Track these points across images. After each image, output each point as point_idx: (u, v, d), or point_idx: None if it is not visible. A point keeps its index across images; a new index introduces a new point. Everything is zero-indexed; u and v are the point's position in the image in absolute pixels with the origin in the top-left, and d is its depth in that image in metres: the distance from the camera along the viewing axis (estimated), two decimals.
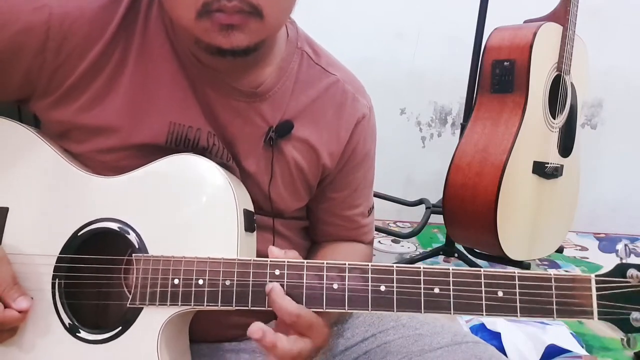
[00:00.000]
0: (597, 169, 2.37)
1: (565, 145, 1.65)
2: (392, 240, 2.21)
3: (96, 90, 0.63)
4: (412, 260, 1.90)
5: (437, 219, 1.84)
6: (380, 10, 2.25)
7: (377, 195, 1.99)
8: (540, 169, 1.54)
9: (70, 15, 0.61)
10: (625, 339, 0.55)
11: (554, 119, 1.58)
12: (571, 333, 1.41)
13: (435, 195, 1.89)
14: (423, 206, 2.02)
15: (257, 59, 0.68)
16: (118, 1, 0.63)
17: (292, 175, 0.72)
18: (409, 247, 2.19)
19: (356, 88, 0.78)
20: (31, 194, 0.64)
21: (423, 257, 1.89)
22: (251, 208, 0.67)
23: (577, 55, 1.59)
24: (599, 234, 2.51)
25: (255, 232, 0.66)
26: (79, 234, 0.62)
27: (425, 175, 2.40)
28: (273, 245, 0.61)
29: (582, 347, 1.37)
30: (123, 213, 0.62)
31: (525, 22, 1.59)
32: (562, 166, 1.62)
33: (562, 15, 1.55)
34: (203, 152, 0.66)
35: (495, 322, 1.38)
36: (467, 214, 1.51)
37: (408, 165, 2.44)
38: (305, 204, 0.78)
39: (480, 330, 1.38)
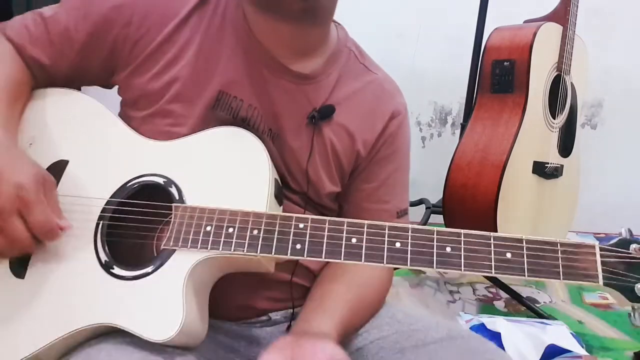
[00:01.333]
0: (597, 169, 2.37)
1: (565, 145, 1.65)
2: None
3: (167, 60, 0.73)
4: None
5: (437, 219, 1.84)
6: (380, 10, 2.25)
7: None
8: (540, 169, 1.54)
9: None
10: (632, 314, 0.57)
11: (554, 119, 1.58)
12: (571, 333, 1.41)
13: (435, 195, 1.89)
14: (423, 206, 2.02)
15: (314, 45, 0.77)
16: None
17: (328, 156, 0.78)
18: None
19: (395, 88, 0.87)
20: (90, 150, 0.72)
21: None
22: (280, 184, 0.72)
23: (577, 55, 1.59)
24: (599, 234, 2.51)
25: (282, 207, 0.71)
26: (128, 185, 0.69)
27: (425, 175, 2.39)
28: None
29: (582, 347, 1.37)
30: (168, 170, 0.69)
31: (525, 22, 1.59)
32: (562, 166, 1.62)
33: (562, 15, 1.55)
34: (242, 121, 0.74)
35: (495, 322, 1.38)
36: (467, 213, 1.51)
37: None
38: (338, 190, 0.81)
39: (480, 330, 1.38)
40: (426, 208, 1.98)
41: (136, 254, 0.68)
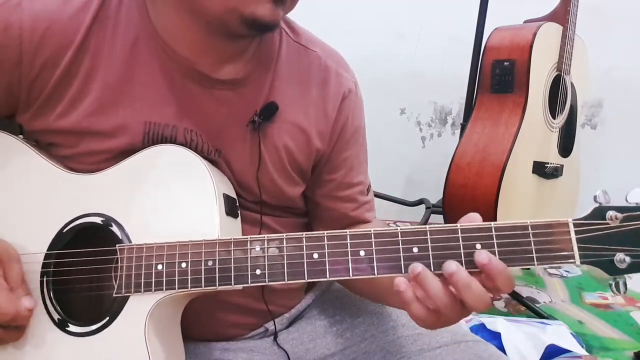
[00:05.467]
0: (597, 169, 2.37)
1: (565, 145, 1.65)
2: None
3: (71, 97, 0.64)
4: None
5: (437, 219, 1.84)
6: (380, 10, 2.25)
7: (377, 195, 1.98)
8: (540, 169, 1.54)
9: (39, 27, 0.62)
10: (613, 284, 0.53)
11: (554, 119, 1.58)
12: (571, 333, 1.41)
13: (435, 195, 1.89)
14: (423, 206, 2.02)
15: (244, 48, 0.68)
16: (86, 9, 0.64)
17: (283, 160, 0.71)
18: None
19: (338, 63, 0.77)
20: (15, 196, 0.65)
21: None
22: (232, 195, 0.67)
23: (577, 55, 1.59)
24: None
25: (239, 219, 0.67)
26: (64, 231, 0.64)
27: (425, 175, 2.39)
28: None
29: (582, 347, 1.37)
30: (106, 207, 0.64)
31: (525, 22, 1.59)
32: (562, 166, 1.62)
33: (562, 15, 1.55)
34: None
35: (495, 322, 1.38)
36: (467, 214, 1.51)
37: (408, 165, 2.44)
38: (302, 190, 0.77)
39: (480, 330, 1.38)
40: (426, 208, 1.98)
41: (93, 303, 0.64)
